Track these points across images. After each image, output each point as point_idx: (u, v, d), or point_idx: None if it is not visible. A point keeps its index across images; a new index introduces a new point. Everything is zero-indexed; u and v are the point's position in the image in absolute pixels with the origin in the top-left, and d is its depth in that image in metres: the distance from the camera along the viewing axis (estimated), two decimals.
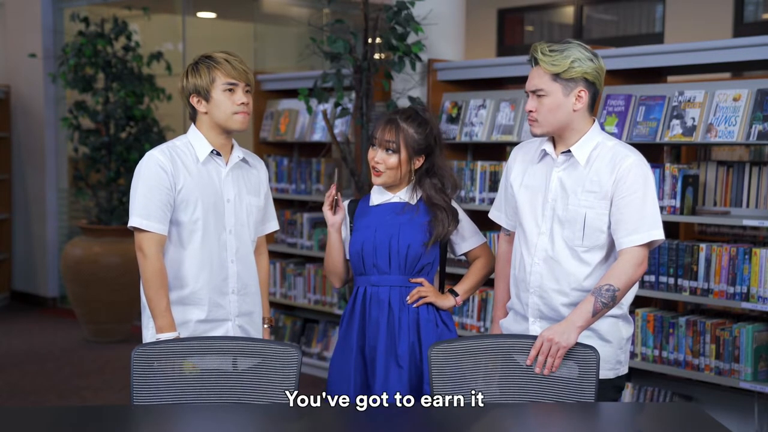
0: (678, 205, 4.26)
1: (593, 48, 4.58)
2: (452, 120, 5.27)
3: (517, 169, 3.12)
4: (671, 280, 4.29)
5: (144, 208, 3.01)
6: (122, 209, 7.14)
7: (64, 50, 7.13)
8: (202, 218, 3.06)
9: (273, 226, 3.35)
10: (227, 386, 2.71)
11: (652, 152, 4.77)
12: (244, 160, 3.18)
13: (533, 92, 2.94)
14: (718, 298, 4.15)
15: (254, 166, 3.24)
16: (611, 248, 2.97)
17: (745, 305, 4.06)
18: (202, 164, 3.08)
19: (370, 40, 5.21)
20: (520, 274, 3.06)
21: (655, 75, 4.76)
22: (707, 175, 4.51)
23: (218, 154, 3.11)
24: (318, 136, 6.01)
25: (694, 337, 4.23)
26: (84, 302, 6.97)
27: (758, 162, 4.41)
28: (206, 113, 3.08)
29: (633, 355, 4.44)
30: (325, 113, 5.41)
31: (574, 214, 2.94)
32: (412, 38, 5.33)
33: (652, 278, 4.35)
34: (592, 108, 3.00)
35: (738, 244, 4.16)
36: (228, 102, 3.05)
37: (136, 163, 7.41)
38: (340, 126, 5.77)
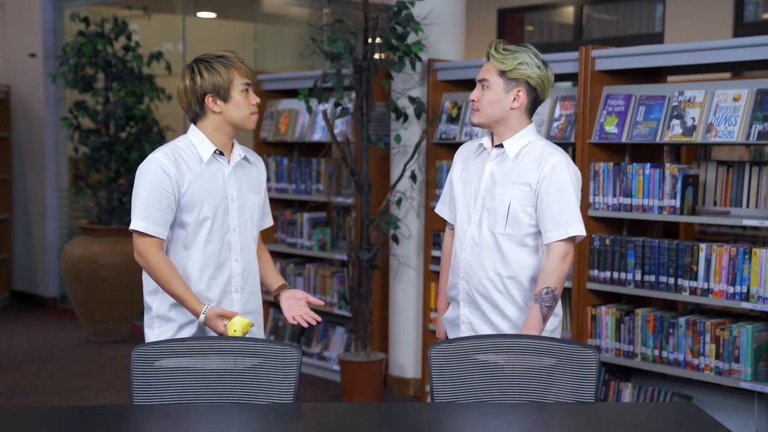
0: (678, 205, 4.26)
1: (593, 48, 4.63)
2: (452, 120, 5.27)
3: (459, 165, 3.36)
4: (671, 280, 4.29)
5: (144, 212, 3.00)
6: (122, 209, 7.15)
7: (64, 50, 7.13)
8: (208, 219, 3.05)
9: (269, 221, 3.35)
10: (227, 386, 2.71)
11: (652, 152, 4.78)
12: (245, 158, 3.18)
13: (480, 81, 3.19)
14: (718, 298, 4.15)
15: (254, 164, 3.23)
16: (538, 245, 3.20)
17: (745, 305, 4.06)
18: (205, 165, 3.08)
19: (370, 40, 5.22)
20: (454, 261, 3.32)
21: (655, 75, 4.76)
22: (707, 175, 4.51)
23: (221, 153, 3.11)
24: (318, 136, 6.02)
25: (694, 337, 4.23)
26: (84, 302, 6.97)
27: (758, 162, 4.40)
28: (219, 113, 3.06)
29: (633, 354, 4.44)
30: (325, 113, 5.41)
31: (499, 203, 3.18)
32: (412, 38, 5.34)
33: (652, 278, 4.35)
34: (532, 112, 3.23)
35: (738, 244, 4.16)
36: (246, 103, 3.06)
37: (136, 163, 7.48)
38: (340, 126, 5.78)
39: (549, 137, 4.75)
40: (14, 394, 5.61)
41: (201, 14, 8.76)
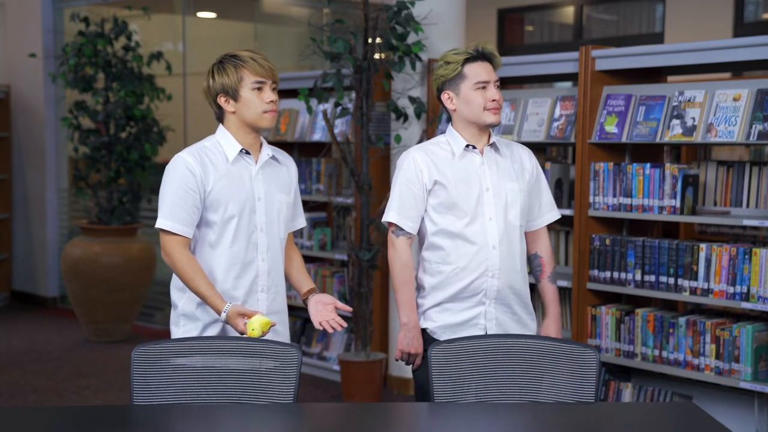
0: (678, 205, 4.26)
1: (593, 48, 4.64)
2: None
3: (432, 171, 3.23)
4: (671, 280, 4.29)
5: (170, 210, 3.01)
6: (122, 209, 7.15)
7: (64, 50, 7.13)
8: (234, 217, 3.05)
9: (301, 222, 3.33)
10: (227, 386, 2.71)
11: (652, 152, 4.78)
12: (273, 157, 3.18)
13: (495, 82, 3.24)
14: (718, 298, 4.15)
15: (284, 164, 3.23)
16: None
17: (745, 305, 4.06)
18: (231, 164, 3.08)
19: (370, 40, 5.22)
20: (472, 263, 3.21)
21: (655, 75, 4.76)
22: (707, 175, 4.51)
23: (247, 152, 3.11)
24: (318, 136, 6.02)
25: (694, 337, 4.23)
26: (84, 302, 6.97)
27: (758, 162, 4.40)
28: (234, 113, 3.07)
29: (633, 354, 4.44)
30: (325, 113, 5.41)
31: (513, 197, 3.26)
32: (412, 38, 5.34)
33: (652, 278, 4.35)
34: None
35: (738, 244, 4.16)
36: (257, 100, 3.05)
37: (137, 163, 7.44)
38: (340, 126, 5.78)
39: (549, 137, 4.76)
40: (14, 394, 5.61)
41: (201, 14, 8.75)
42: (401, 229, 3.24)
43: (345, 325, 3.07)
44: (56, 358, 6.48)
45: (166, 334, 7.19)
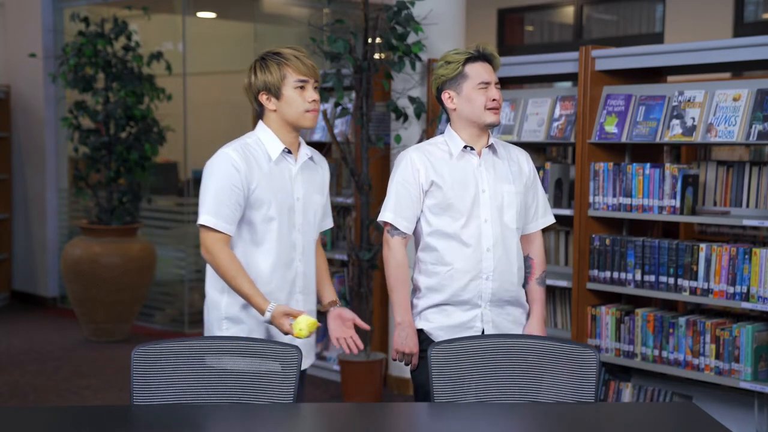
0: (678, 205, 4.26)
1: (593, 48, 4.64)
2: None
3: (429, 171, 3.22)
4: (671, 280, 4.29)
5: (214, 207, 2.97)
6: (122, 209, 7.15)
7: (64, 50, 7.13)
8: (275, 217, 3.03)
9: (329, 222, 3.31)
10: (227, 386, 2.71)
11: (652, 152, 4.78)
12: (311, 158, 3.17)
13: (496, 84, 3.24)
14: (718, 298, 4.15)
15: (319, 164, 3.22)
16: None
17: (745, 305, 4.06)
18: (274, 163, 3.05)
19: (370, 40, 5.22)
20: (466, 265, 3.20)
21: (655, 75, 4.76)
22: (707, 175, 4.51)
23: (288, 152, 3.09)
24: (318, 136, 6.02)
25: (694, 337, 4.23)
26: (84, 302, 6.97)
27: (758, 162, 4.41)
28: (276, 111, 3.05)
29: (633, 354, 4.44)
30: (325, 113, 5.42)
31: (509, 199, 3.25)
32: (412, 38, 5.34)
33: (652, 278, 4.35)
34: None
35: (738, 244, 4.16)
36: (299, 99, 3.03)
37: (137, 163, 7.42)
38: (340, 126, 5.78)
39: (549, 137, 4.76)
40: (14, 394, 5.61)
41: (201, 14, 8.75)
42: (396, 229, 3.23)
43: (362, 347, 3.04)
44: (56, 358, 6.48)
45: (166, 334, 7.22)
